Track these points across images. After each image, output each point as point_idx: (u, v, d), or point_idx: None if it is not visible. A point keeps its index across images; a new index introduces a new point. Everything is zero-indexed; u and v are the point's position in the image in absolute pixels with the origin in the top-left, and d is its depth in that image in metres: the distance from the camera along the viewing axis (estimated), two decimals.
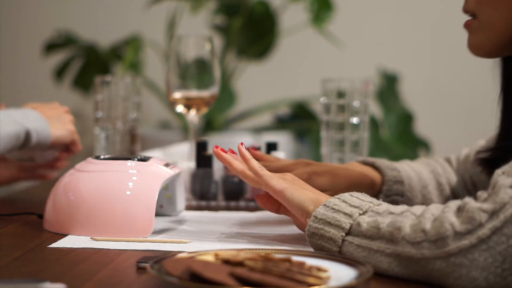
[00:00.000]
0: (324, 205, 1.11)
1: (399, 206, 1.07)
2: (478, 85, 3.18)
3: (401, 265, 1.01)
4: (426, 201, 1.45)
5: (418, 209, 1.04)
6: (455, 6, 1.48)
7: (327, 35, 3.43)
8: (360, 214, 1.07)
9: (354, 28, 3.81)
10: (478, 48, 1.22)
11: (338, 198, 1.11)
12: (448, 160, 1.54)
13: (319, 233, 1.10)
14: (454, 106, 3.80)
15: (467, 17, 1.23)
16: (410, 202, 1.43)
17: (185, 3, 3.50)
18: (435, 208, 1.02)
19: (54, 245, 1.17)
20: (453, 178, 1.50)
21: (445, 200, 1.46)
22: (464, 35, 1.24)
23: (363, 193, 1.13)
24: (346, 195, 1.12)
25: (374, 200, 1.11)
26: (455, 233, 0.97)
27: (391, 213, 1.05)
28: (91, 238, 1.22)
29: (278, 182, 1.18)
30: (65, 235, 1.24)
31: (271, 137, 3.08)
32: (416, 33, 3.82)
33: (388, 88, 3.41)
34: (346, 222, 1.07)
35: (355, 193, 1.12)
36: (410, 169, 1.47)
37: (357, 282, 0.92)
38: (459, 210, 0.99)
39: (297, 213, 1.16)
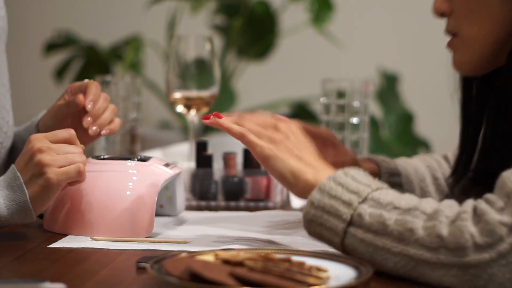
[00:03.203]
0: (319, 189, 1.06)
1: (402, 197, 1.03)
2: None
3: (408, 265, 0.99)
4: (424, 194, 1.43)
5: (427, 206, 1.01)
6: None
7: (327, 35, 3.43)
8: (359, 203, 1.03)
9: (354, 28, 3.81)
10: (462, 66, 1.23)
11: (332, 180, 1.06)
12: (445, 157, 1.54)
13: (318, 221, 1.05)
14: (454, 106, 3.79)
15: None
16: None
17: (185, 3, 3.50)
18: (448, 209, 0.99)
19: (54, 245, 1.17)
20: (448, 173, 1.50)
21: (442, 194, 1.45)
22: None
23: (357, 170, 1.08)
24: (340, 175, 1.06)
25: (371, 182, 1.06)
26: (475, 245, 0.95)
27: (395, 207, 1.02)
28: (91, 238, 1.22)
29: (262, 149, 1.13)
30: (65, 235, 1.24)
31: None
32: (416, 33, 3.82)
33: (388, 88, 3.41)
34: (346, 213, 1.03)
35: (349, 171, 1.07)
36: (406, 163, 1.47)
37: (357, 282, 0.92)
38: (475, 215, 0.97)
39: (281, 183, 1.13)
